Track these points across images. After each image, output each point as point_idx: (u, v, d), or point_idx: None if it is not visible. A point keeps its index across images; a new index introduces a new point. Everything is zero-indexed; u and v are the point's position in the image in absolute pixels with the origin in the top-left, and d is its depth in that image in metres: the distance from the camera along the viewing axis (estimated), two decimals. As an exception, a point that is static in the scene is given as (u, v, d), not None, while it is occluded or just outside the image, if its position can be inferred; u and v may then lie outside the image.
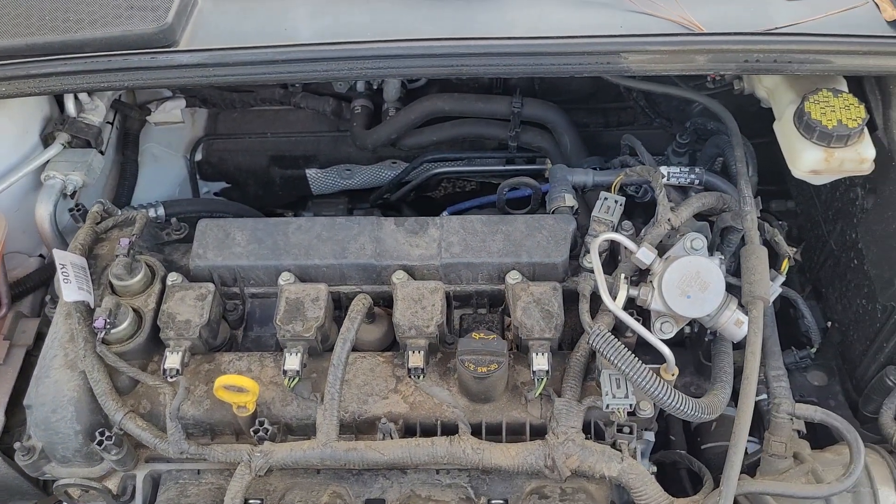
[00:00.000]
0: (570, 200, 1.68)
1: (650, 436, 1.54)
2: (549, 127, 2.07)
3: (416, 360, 1.46)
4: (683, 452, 1.62)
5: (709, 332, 1.56)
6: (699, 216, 1.68)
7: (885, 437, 1.45)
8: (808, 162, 1.50)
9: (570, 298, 1.56)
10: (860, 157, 1.49)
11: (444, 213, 2.09)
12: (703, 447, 1.67)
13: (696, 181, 1.72)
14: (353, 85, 2.24)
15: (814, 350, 1.74)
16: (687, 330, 1.65)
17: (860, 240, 1.64)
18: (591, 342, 1.41)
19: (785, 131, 1.55)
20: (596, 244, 1.51)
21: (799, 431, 1.50)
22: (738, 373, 1.69)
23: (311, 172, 2.39)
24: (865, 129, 1.51)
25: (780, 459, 1.42)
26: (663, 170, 1.72)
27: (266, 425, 1.44)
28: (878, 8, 1.53)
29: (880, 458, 1.43)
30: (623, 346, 1.41)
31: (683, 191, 1.75)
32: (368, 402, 1.49)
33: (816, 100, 1.50)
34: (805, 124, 1.49)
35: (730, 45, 1.43)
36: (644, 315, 1.49)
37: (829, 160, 1.49)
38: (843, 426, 1.37)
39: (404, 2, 1.56)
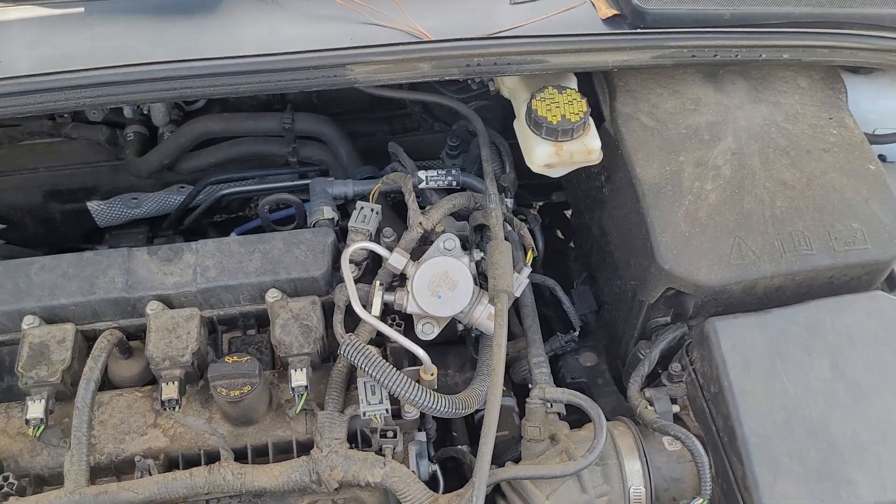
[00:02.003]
0: (328, 213, 1.69)
1: (422, 436, 1.56)
2: (323, 140, 2.08)
3: (169, 391, 1.42)
4: (460, 447, 1.66)
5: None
6: (459, 216, 1.73)
7: (632, 408, 1.53)
8: (540, 157, 1.58)
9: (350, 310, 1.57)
10: (587, 148, 1.58)
11: (232, 235, 2.06)
12: (484, 439, 1.71)
13: (454, 182, 1.77)
14: (121, 111, 2.16)
15: (576, 333, 1.83)
16: (461, 327, 1.70)
17: (605, 225, 1.73)
18: (341, 352, 1.43)
19: (520, 128, 1.62)
20: (347, 254, 1.52)
21: (559, 414, 1.57)
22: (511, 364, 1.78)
23: (92, 205, 2.29)
24: (591, 122, 1.60)
25: (536, 443, 1.48)
26: (421, 174, 1.76)
27: (11, 479, 1.37)
28: (595, 7, 1.63)
29: (627, 429, 1.52)
30: (375, 353, 1.43)
31: (445, 193, 1.80)
32: (126, 441, 1.44)
33: (543, 97, 1.58)
34: (534, 121, 1.56)
35: (452, 52, 1.48)
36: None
37: (560, 154, 1.57)
38: (587, 403, 1.44)
39: (128, 26, 1.53)
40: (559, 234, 2.36)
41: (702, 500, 1.38)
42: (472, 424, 1.76)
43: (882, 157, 1.87)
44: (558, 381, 1.84)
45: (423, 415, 1.62)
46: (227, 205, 2.39)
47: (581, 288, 1.99)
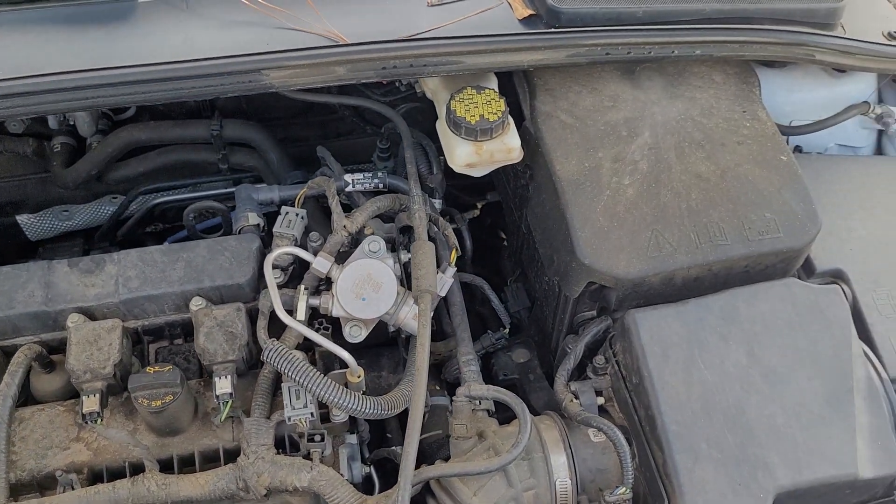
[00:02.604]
0: (254, 219, 1.68)
1: (353, 439, 1.57)
2: (253, 146, 2.07)
3: (90, 404, 1.41)
4: (394, 448, 1.67)
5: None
6: (387, 218, 1.74)
7: (558, 402, 1.55)
8: (461, 156, 1.59)
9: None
10: (507, 147, 1.60)
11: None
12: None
13: (380, 185, 1.77)
14: (46, 122, 2.13)
15: (506, 331, 1.85)
16: (392, 328, 1.70)
17: (531, 222, 1.75)
18: (264, 357, 1.43)
19: (441, 129, 1.64)
20: (269, 259, 1.52)
21: (488, 411, 1.58)
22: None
23: (22, 218, 2.24)
24: (510, 121, 1.62)
25: (464, 440, 1.50)
26: (348, 178, 1.77)
27: (-72, 502, 1.34)
28: (511, 8, 1.65)
29: (553, 423, 1.54)
30: (299, 357, 1.43)
31: (374, 195, 1.80)
32: (48, 456, 1.43)
33: (461, 98, 1.60)
34: (453, 122, 1.58)
35: (367, 55, 1.49)
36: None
37: (480, 153, 1.59)
38: (512, 399, 1.46)
39: (39, 35, 1.51)
40: (502, 234, 2.38)
41: (624, 488, 1.40)
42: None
43: (798, 148, 1.93)
44: (491, 379, 1.87)
45: (354, 417, 1.62)
46: (163, 214, 2.37)
47: (514, 286, 2.01)
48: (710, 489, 1.37)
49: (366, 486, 1.58)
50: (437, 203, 1.83)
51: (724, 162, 1.62)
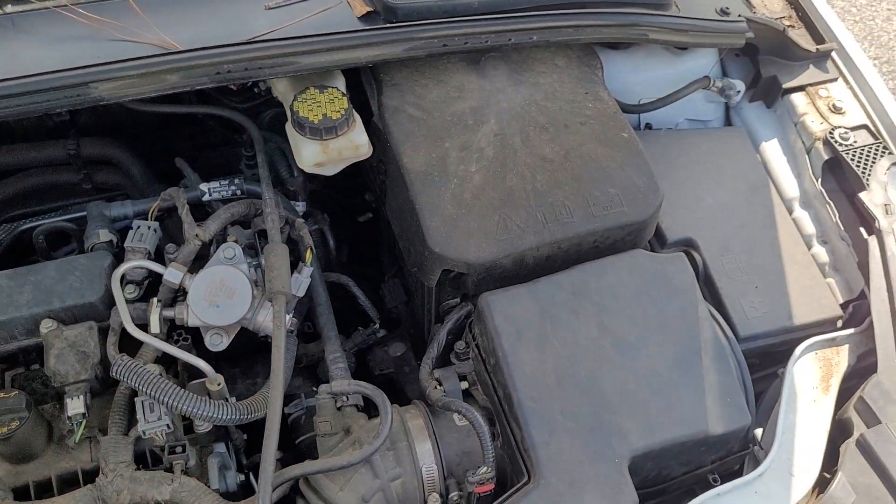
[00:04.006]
0: (105, 235, 1.66)
1: (220, 447, 1.56)
2: (114, 162, 2.03)
3: (-64, 438, 1.36)
4: (268, 453, 1.66)
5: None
6: (247, 225, 1.73)
7: (423, 391, 1.57)
8: (308, 157, 1.60)
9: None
10: (354, 144, 1.61)
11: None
12: (297, 441, 1.72)
13: (238, 191, 1.77)
14: None
15: (377, 326, 1.86)
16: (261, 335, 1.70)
17: (390, 216, 1.77)
18: (112, 372, 1.40)
19: (289, 131, 1.64)
20: (117, 274, 1.51)
21: (357, 406, 1.59)
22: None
23: None
24: (356, 118, 1.64)
25: (329, 437, 1.50)
26: (204, 187, 1.75)
27: None
28: (350, 6, 1.66)
29: (419, 411, 1.56)
30: (150, 370, 1.41)
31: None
32: None
33: (304, 98, 1.60)
34: (297, 122, 1.59)
35: (200, 61, 1.49)
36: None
37: (327, 152, 1.60)
38: (372, 391, 1.47)
39: None
40: None
41: (485, 468, 1.43)
42: (288, 428, 1.77)
43: (648, 126, 2.00)
44: (367, 374, 1.88)
45: (225, 427, 1.61)
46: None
47: (391, 282, 2.03)
48: (567, 459, 1.40)
49: (245, 493, 1.57)
50: (300, 206, 1.83)
51: (567, 143, 1.67)
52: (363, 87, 1.75)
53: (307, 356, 1.78)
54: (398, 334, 1.93)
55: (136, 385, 1.38)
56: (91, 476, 1.44)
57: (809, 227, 1.86)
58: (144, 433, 1.40)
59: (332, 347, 1.65)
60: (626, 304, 1.55)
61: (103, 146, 2.00)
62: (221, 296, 1.50)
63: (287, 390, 1.75)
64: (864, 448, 1.50)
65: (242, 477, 1.59)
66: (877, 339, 1.61)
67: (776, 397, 1.59)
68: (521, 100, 1.72)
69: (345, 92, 1.64)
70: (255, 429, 1.67)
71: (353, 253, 2.17)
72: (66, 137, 2.08)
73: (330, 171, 1.65)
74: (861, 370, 1.65)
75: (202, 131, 2.29)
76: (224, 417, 1.42)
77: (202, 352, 1.56)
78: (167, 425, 1.40)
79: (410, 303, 1.96)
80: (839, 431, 1.56)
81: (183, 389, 1.40)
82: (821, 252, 1.83)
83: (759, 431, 1.55)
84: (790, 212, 1.88)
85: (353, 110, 1.62)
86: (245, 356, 1.81)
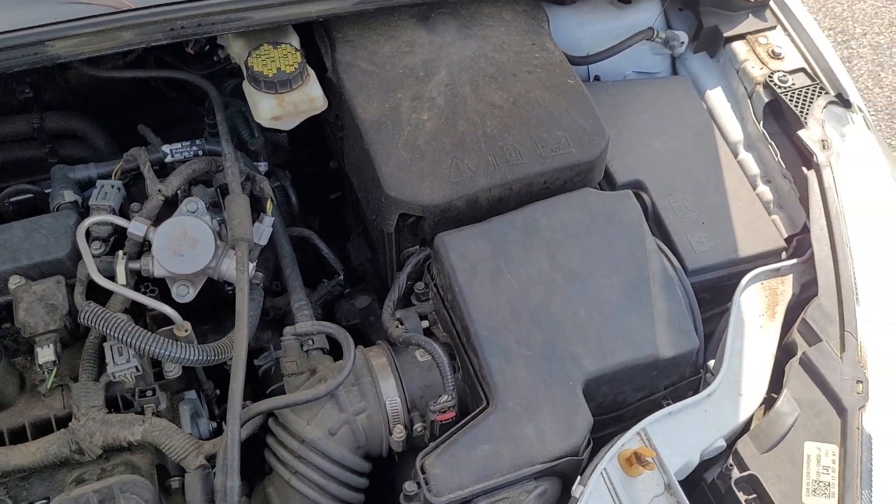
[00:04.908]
0: (69, 196, 1.70)
1: (191, 394, 1.60)
2: (79, 135, 2.07)
3: None
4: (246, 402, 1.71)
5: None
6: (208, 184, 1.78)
7: (385, 330, 1.63)
8: (265, 110, 1.65)
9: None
10: (309, 97, 1.67)
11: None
12: (267, 391, 1.77)
13: (199, 151, 1.82)
14: None
15: (341, 277, 1.92)
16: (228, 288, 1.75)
17: (348, 169, 1.83)
18: (80, 319, 1.45)
19: (246, 88, 1.69)
20: (82, 228, 1.55)
21: (322, 349, 1.64)
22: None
23: None
24: (310, 72, 1.69)
25: (296, 377, 1.56)
26: (166, 148, 1.80)
27: None
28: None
29: (382, 350, 1.62)
30: (114, 315, 1.46)
31: (196, 163, 1.84)
32: None
33: (259, 54, 1.66)
34: (252, 77, 1.64)
35: (153, 17, 1.54)
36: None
37: (283, 105, 1.65)
38: (335, 330, 1.53)
39: None
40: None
41: (446, 396, 1.49)
42: (258, 379, 1.82)
43: (597, 78, 2.07)
44: (335, 326, 1.93)
45: (196, 374, 1.66)
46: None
47: (356, 240, 2.08)
48: (523, 384, 1.47)
49: (217, 441, 1.62)
50: (262, 166, 1.89)
51: (516, 90, 1.73)
52: (317, 45, 1.80)
53: (274, 309, 1.83)
54: (363, 288, 1.98)
55: (105, 330, 1.43)
56: (64, 422, 1.48)
57: (754, 168, 1.94)
58: (114, 376, 1.45)
59: (297, 296, 1.70)
60: (576, 239, 1.62)
61: (67, 119, 2.04)
62: (185, 245, 1.55)
63: (256, 343, 1.81)
64: (807, 365, 1.57)
65: (214, 424, 1.64)
66: (816, 264, 1.68)
67: (726, 328, 1.66)
68: (471, 52, 1.78)
69: (298, 48, 1.69)
70: (225, 382, 1.72)
71: (324, 223, 2.23)
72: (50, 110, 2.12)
73: (287, 125, 1.71)
74: (805, 300, 1.72)
75: (167, 106, 2.33)
76: (191, 358, 1.47)
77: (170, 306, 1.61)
78: (136, 367, 1.45)
79: (374, 259, 2.02)
80: (785, 355, 1.64)
81: (150, 333, 1.45)
82: (765, 191, 1.91)
83: (711, 363, 1.62)
84: (735, 154, 1.96)
85: (307, 65, 1.68)
86: (215, 314, 1.86)
